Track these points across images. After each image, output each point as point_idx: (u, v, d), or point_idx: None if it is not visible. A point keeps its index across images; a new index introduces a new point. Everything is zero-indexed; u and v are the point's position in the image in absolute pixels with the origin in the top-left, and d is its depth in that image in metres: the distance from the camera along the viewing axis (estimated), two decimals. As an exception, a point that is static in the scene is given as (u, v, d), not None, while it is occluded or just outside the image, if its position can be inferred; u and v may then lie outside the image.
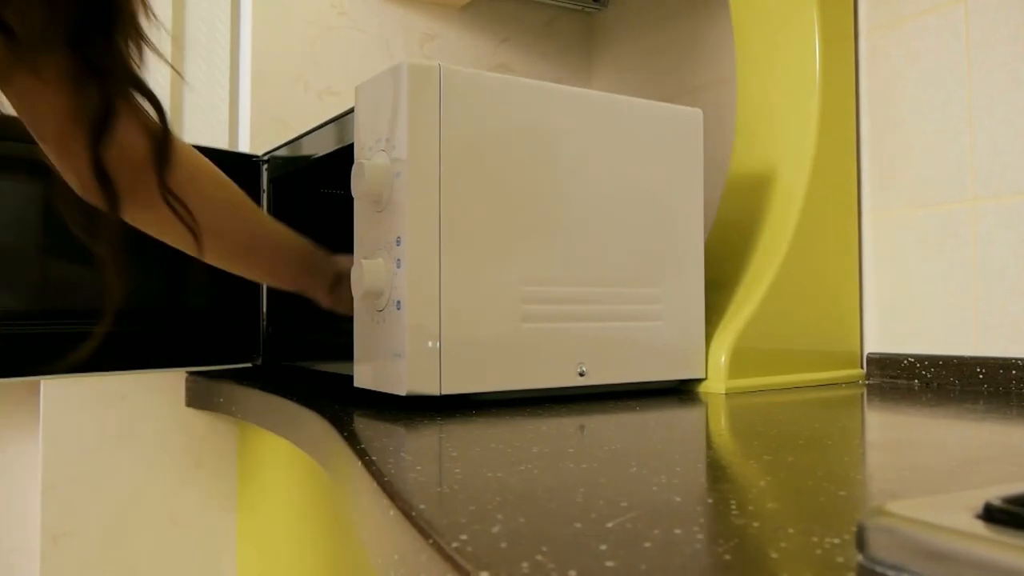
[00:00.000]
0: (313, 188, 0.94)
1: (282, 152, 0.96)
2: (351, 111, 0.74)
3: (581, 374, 0.72)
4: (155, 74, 1.11)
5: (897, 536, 0.24)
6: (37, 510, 1.06)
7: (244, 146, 1.16)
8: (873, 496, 0.37)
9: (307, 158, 0.89)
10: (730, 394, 0.78)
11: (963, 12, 0.84)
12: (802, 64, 0.91)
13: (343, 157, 0.75)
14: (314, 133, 0.86)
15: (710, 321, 0.83)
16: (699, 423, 0.63)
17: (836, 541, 0.29)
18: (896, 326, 0.90)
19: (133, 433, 1.08)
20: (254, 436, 1.08)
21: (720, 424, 0.61)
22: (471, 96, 0.67)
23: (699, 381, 0.81)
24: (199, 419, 1.12)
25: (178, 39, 1.15)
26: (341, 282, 0.77)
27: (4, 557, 1.05)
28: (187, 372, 1.10)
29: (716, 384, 0.80)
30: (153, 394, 1.09)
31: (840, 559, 0.27)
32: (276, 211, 0.98)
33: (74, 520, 1.04)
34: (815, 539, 0.30)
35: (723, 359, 0.80)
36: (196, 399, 1.08)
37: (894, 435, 0.55)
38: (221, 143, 1.16)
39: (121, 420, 1.07)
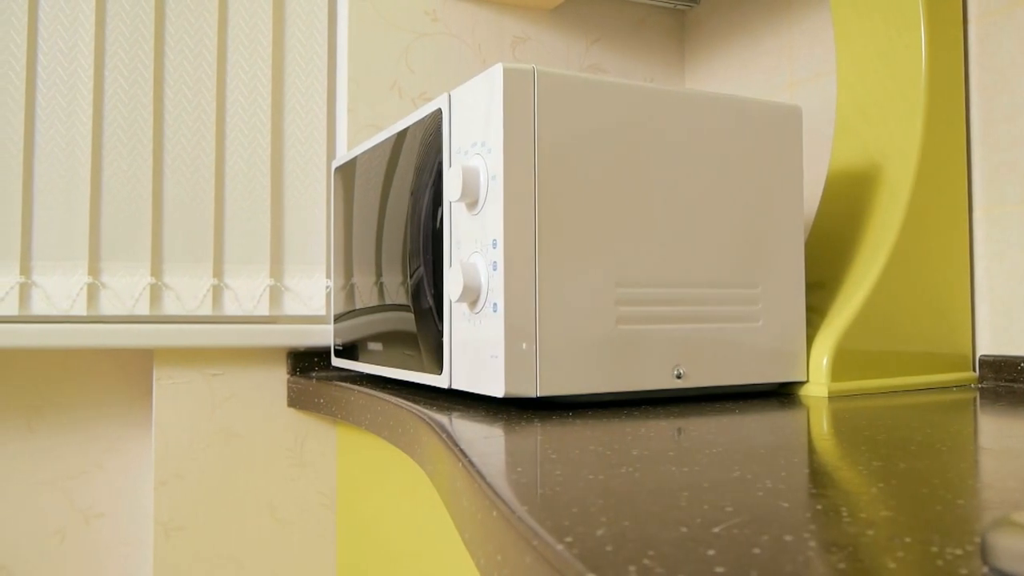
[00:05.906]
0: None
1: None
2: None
3: (678, 376, 0.71)
4: (257, 78, 1.15)
5: (1028, 548, 0.23)
6: (150, 505, 1.11)
7: (341, 150, 1.19)
8: (994, 505, 0.36)
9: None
10: (832, 397, 0.75)
11: (1083, -5, 0.79)
12: (907, 54, 0.87)
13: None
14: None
15: (811, 322, 0.81)
16: (802, 427, 0.61)
17: (958, 552, 0.28)
18: (1011, 327, 0.86)
19: (238, 432, 1.12)
20: (353, 436, 1.11)
21: (824, 428, 0.60)
22: (565, 97, 0.67)
23: (799, 384, 0.79)
24: (300, 419, 1.15)
25: (277, 46, 1.18)
26: None
27: (120, 549, 1.11)
28: (288, 376, 1.14)
29: (817, 387, 0.77)
30: (257, 394, 1.13)
31: (963, 571, 0.26)
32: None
33: (184, 515, 1.09)
34: (935, 549, 0.29)
35: (825, 361, 0.77)
36: (297, 400, 1.11)
37: (1012, 442, 0.53)
38: (320, 148, 1.19)
39: (227, 420, 1.11)
